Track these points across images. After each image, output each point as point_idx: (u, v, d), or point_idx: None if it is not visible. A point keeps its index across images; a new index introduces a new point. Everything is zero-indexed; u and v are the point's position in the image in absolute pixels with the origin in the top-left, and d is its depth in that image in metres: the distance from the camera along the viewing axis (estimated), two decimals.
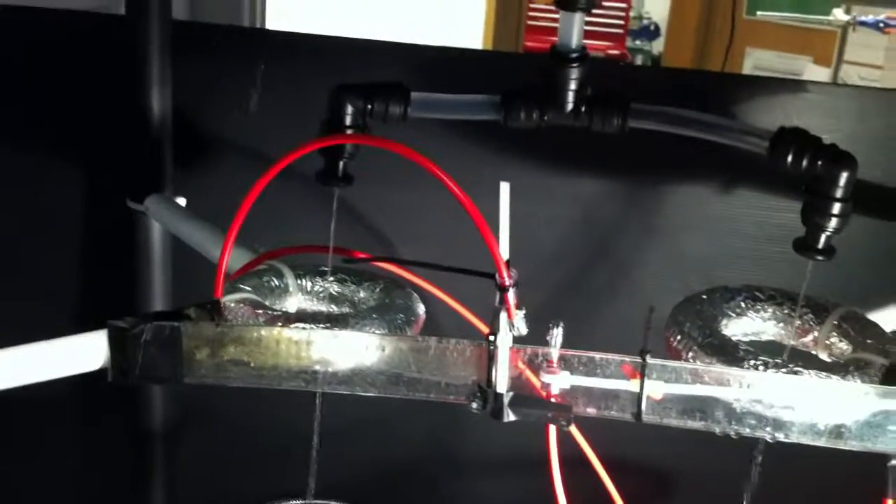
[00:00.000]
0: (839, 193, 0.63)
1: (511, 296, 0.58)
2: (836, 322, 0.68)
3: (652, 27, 3.39)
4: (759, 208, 0.98)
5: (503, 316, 0.59)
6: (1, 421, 1.05)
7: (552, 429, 0.62)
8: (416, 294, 0.72)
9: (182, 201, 0.96)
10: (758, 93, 1.00)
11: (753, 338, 0.70)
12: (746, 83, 1.11)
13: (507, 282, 0.58)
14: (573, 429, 0.61)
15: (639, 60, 3.31)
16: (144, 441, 1.06)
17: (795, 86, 1.02)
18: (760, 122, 0.95)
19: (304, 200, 0.87)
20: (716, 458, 0.75)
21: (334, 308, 0.74)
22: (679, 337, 0.65)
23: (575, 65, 0.69)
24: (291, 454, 0.75)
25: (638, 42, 3.39)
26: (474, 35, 2.79)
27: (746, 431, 0.59)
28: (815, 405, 0.58)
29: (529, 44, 2.97)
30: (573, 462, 0.64)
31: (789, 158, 0.64)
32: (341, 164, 0.71)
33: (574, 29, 0.69)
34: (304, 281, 0.74)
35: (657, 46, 3.35)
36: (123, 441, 1.09)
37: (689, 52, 2.80)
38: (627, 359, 0.59)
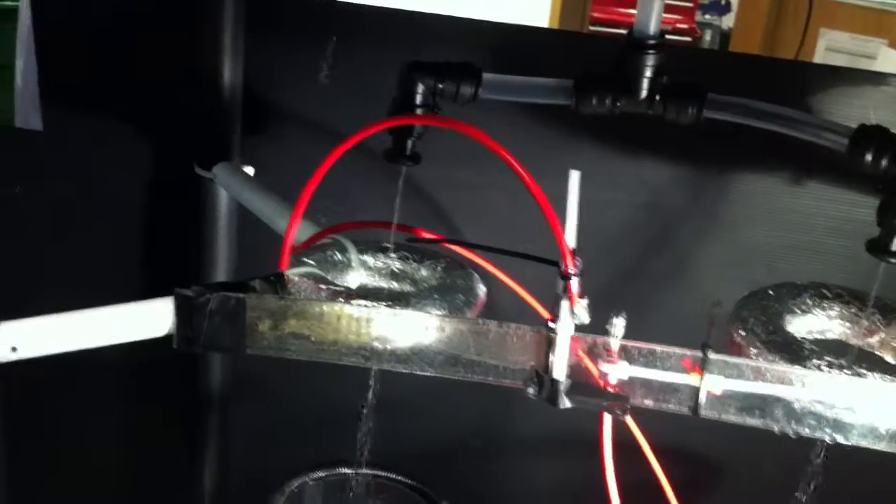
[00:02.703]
0: None
1: (574, 284, 0.58)
2: None
3: (723, 2, 3.31)
4: (829, 202, 0.96)
5: (565, 304, 0.58)
6: (60, 385, 1.07)
7: (607, 418, 0.62)
8: (476, 275, 0.72)
9: (250, 171, 0.97)
10: (833, 84, 0.97)
11: (818, 336, 0.69)
12: (822, 73, 1.08)
13: (572, 270, 0.58)
14: (628, 417, 0.61)
15: (708, 36, 3.24)
16: (199, 409, 1.08)
17: (873, 78, 0.99)
18: (835, 115, 0.93)
19: (369, 176, 0.87)
20: (768, 448, 0.74)
21: (395, 285, 0.74)
22: (743, 332, 0.65)
23: (651, 52, 0.68)
24: (343, 425, 0.76)
25: (707, 17, 3.32)
26: (541, 4, 2.75)
27: (806, 432, 0.58)
28: (877, 408, 0.57)
29: (596, 14, 2.92)
30: (621, 446, 0.64)
31: (869, 157, 0.63)
32: (410, 142, 0.71)
33: (653, 15, 0.68)
34: (366, 257, 0.74)
35: (727, 21, 3.28)
36: (179, 408, 1.11)
37: (759, 28, 2.73)
38: (688, 352, 0.58)
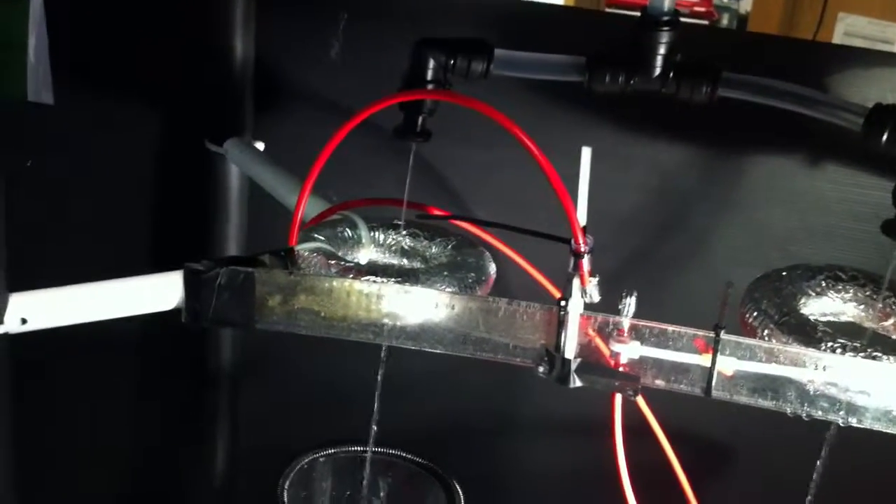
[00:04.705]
0: None
1: (586, 262, 0.57)
2: None
3: None
4: (844, 184, 0.95)
5: (576, 282, 0.58)
6: (69, 362, 1.07)
7: (618, 398, 0.61)
8: (487, 253, 0.72)
9: (260, 146, 0.97)
10: (850, 65, 0.96)
11: (832, 318, 0.68)
12: (838, 54, 1.06)
13: (583, 248, 0.57)
14: (639, 398, 0.60)
15: (725, 18, 3.21)
16: (209, 386, 1.08)
17: (890, 59, 0.97)
18: (851, 96, 0.92)
19: (379, 152, 0.86)
20: (780, 429, 0.74)
21: (405, 262, 0.74)
22: (755, 314, 0.64)
23: (665, 29, 0.67)
24: (352, 402, 0.76)
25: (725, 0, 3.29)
26: None
27: (819, 414, 0.57)
28: (891, 392, 0.57)
29: None
30: (631, 426, 0.64)
31: (884, 137, 0.62)
32: (420, 119, 0.71)
33: None
34: (376, 233, 0.74)
35: (745, 5, 3.24)
36: (189, 385, 1.11)
37: (777, 12, 2.70)
38: (700, 333, 0.58)
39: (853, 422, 0.57)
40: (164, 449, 1.18)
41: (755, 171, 0.99)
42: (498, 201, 1.00)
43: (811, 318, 0.65)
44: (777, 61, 0.92)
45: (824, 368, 0.57)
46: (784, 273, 0.68)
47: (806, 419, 0.58)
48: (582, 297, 0.58)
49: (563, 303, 0.58)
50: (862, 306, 0.68)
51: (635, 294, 0.58)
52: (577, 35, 0.93)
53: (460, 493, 0.75)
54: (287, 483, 0.74)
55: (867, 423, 0.57)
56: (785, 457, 0.73)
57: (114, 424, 1.17)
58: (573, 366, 0.59)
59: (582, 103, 0.95)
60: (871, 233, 0.66)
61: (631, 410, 0.64)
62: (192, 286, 0.60)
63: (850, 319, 0.68)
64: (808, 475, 0.67)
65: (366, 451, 0.79)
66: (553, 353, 0.59)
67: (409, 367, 0.76)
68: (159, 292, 0.61)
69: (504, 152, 0.61)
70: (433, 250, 0.73)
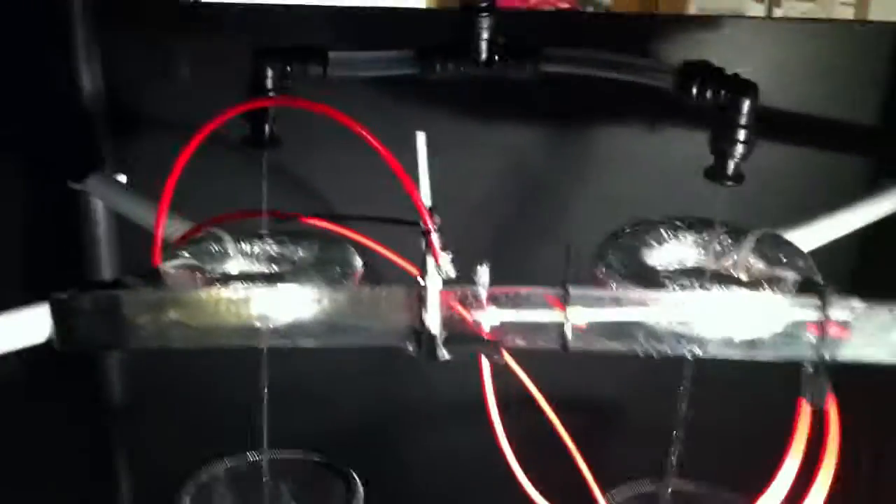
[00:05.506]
0: (743, 120, 0.65)
1: (435, 239, 0.60)
2: (753, 244, 0.71)
3: None
4: (686, 143, 0.99)
5: (430, 259, 0.61)
6: None
7: (485, 363, 0.64)
8: (352, 248, 0.74)
9: (122, 178, 0.97)
10: (682, 31, 1.02)
11: (677, 265, 0.73)
12: (668, 23, 1.12)
13: (431, 227, 0.60)
14: (519, 371, 0.63)
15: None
16: (101, 414, 1.07)
17: (718, 21, 1.04)
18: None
19: (245, 166, 0.88)
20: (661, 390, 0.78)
21: (274, 268, 0.75)
22: (605, 270, 0.68)
23: (485, 14, 0.71)
24: (249, 414, 0.77)
25: None
26: None
27: (667, 350, 0.61)
28: (730, 319, 0.61)
29: None
30: (528, 405, 0.66)
31: (695, 90, 0.67)
32: (265, 126, 0.73)
33: None
34: (243, 244, 0.75)
35: None
36: (79, 415, 1.09)
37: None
38: (551, 290, 0.61)
39: (699, 352, 0.62)
40: (61, 482, 1.15)
41: (600, 141, 1.03)
42: (363, 197, 0.98)
43: (657, 267, 0.69)
44: (633, 39, 0.97)
45: (668, 306, 0.61)
46: (627, 230, 0.72)
47: (657, 357, 0.62)
48: (437, 272, 0.61)
49: (421, 281, 0.61)
50: (702, 251, 0.73)
51: (488, 263, 0.61)
52: (423, 32, 0.96)
53: (358, 481, 0.77)
54: None
55: (712, 352, 0.62)
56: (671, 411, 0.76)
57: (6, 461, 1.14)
58: (439, 340, 0.62)
59: (431, 94, 0.98)
60: (711, 185, 0.71)
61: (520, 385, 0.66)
62: (59, 314, 0.61)
63: (693, 264, 0.73)
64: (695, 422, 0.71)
65: (260, 457, 0.79)
66: (419, 331, 0.62)
67: (300, 377, 0.78)
68: (29, 325, 0.62)
69: (363, 149, 0.63)
70: (301, 253, 0.75)
